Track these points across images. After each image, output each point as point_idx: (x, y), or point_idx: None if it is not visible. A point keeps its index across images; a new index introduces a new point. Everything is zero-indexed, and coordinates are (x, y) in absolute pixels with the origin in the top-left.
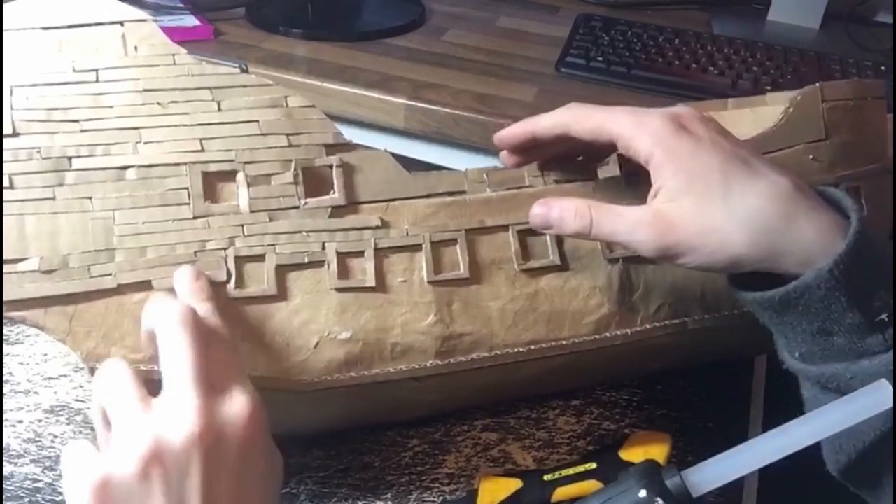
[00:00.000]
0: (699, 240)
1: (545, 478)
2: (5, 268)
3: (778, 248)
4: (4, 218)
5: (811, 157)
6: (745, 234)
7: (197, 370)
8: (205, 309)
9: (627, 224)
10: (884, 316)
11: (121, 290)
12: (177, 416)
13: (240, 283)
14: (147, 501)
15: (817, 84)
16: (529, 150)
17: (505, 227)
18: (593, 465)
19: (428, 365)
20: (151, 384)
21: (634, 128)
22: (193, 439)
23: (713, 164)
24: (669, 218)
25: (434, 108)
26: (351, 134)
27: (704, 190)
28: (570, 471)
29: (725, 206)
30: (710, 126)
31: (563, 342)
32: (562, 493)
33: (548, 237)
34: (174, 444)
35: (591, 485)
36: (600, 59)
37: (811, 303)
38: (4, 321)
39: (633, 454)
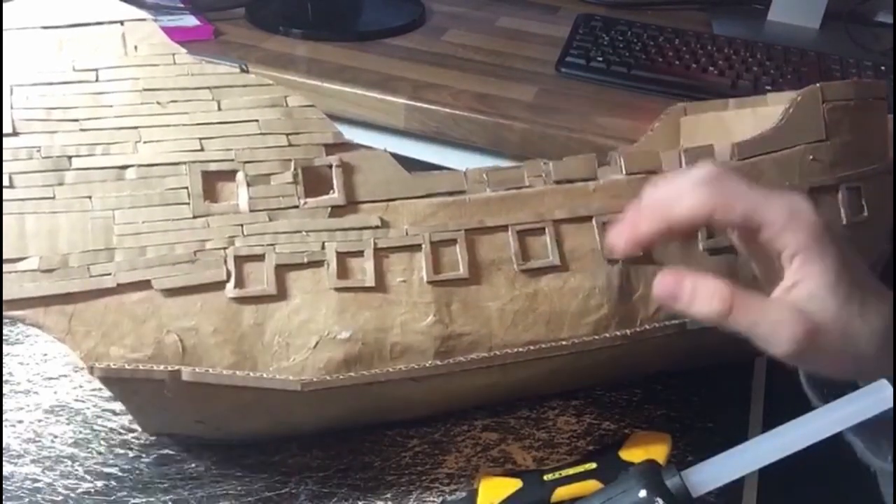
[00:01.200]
0: (838, 347)
1: (545, 478)
2: (5, 267)
3: (885, 365)
4: (4, 217)
5: (811, 157)
6: (873, 348)
7: None
8: None
9: (769, 320)
10: None
11: (120, 289)
12: None
13: (239, 283)
14: None
15: (818, 84)
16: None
17: (505, 228)
18: (593, 466)
19: (427, 365)
20: (151, 384)
21: (788, 219)
22: None
23: (853, 270)
24: (815, 321)
25: (434, 108)
26: (351, 134)
27: (846, 296)
28: (570, 471)
29: (861, 316)
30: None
31: (563, 342)
32: (561, 492)
33: (547, 237)
34: None
35: (591, 485)
36: (600, 58)
37: None
38: (4, 321)
39: (634, 454)
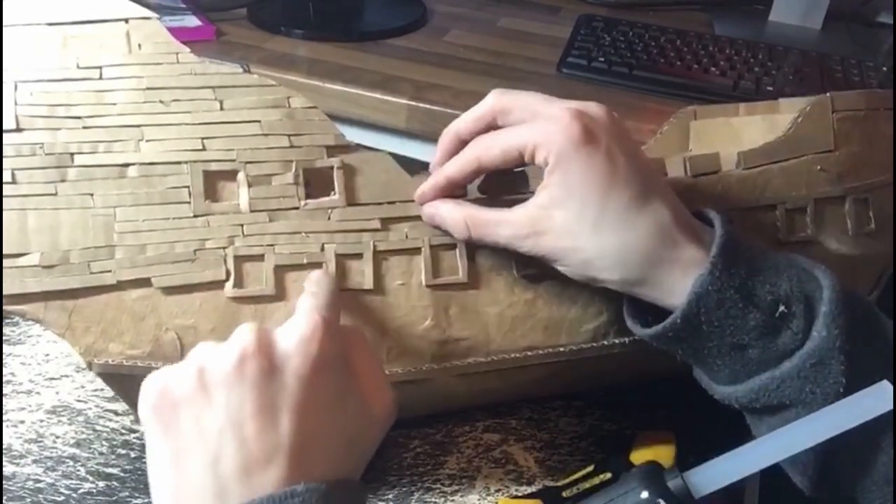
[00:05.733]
0: (562, 254)
1: (564, 494)
2: (6, 262)
3: (641, 280)
4: (6, 213)
5: (819, 167)
6: (608, 263)
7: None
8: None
9: (509, 232)
10: (782, 308)
11: (120, 286)
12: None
13: (238, 283)
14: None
15: (828, 94)
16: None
17: None
18: (608, 475)
19: (424, 368)
20: None
21: (539, 139)
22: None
23: (596, 186)
24: (541, 226)
25: (436, 108)
26: (352, 134)
27: (578, 209)
28: (587, 484)
29: (594, 232)
30: (615, 135)
31: (561, 349)
32: None
33: None
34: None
35: None
36: (602, 59)
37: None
38: (6, 321)
39: (644, 457)
